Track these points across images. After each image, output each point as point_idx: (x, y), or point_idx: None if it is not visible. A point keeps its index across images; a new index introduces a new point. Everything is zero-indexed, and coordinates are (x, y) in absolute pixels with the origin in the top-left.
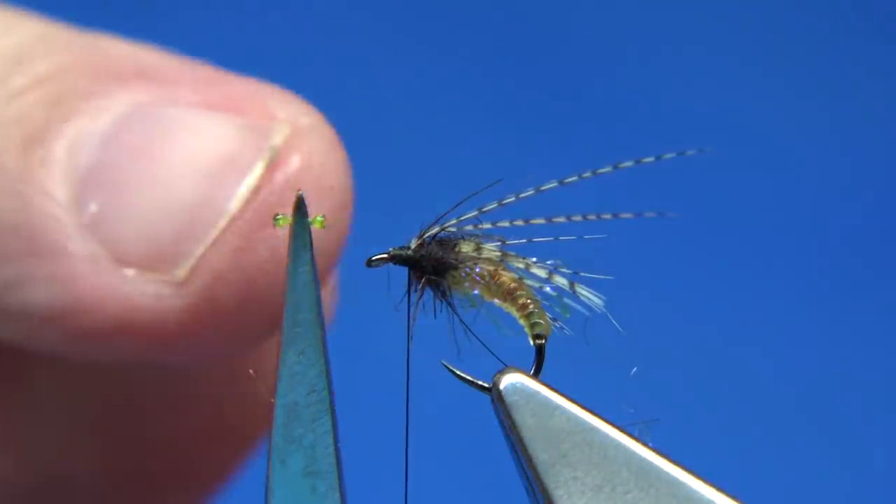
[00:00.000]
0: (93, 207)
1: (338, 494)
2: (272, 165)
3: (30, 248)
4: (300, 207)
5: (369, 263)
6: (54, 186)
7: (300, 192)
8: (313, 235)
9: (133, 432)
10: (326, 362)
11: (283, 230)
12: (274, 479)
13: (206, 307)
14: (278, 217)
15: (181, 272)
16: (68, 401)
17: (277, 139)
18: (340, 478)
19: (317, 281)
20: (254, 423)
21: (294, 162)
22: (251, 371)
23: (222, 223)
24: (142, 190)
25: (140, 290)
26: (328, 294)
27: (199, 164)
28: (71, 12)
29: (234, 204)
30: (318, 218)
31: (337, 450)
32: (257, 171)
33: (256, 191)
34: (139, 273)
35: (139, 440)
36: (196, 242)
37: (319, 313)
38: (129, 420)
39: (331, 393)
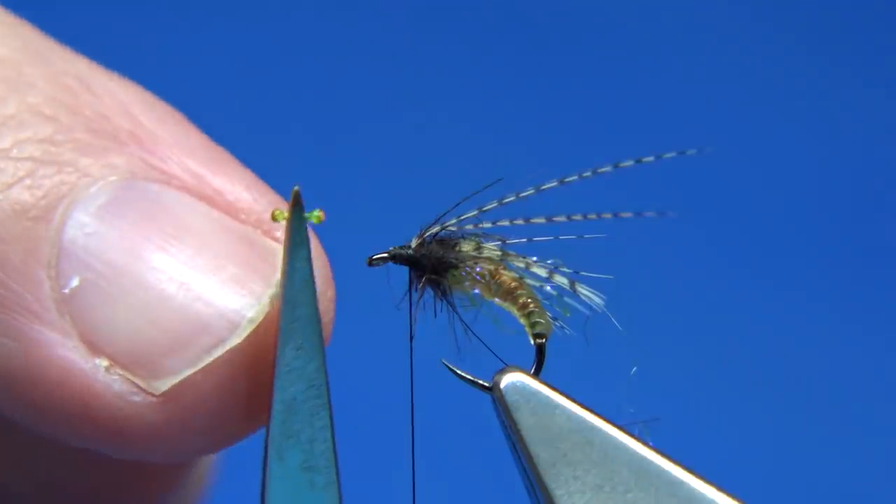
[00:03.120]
0: (74, 282)
1: (336, 488)
2: (274, 300)
3: None
4: (297, 202)
5: (370, 262)
6: (38, 244)
7: (296, 187)
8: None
9: (73, 454)
10: (323, 357)
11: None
12: (272, 474)
13: (180, 423)
14: (276, 212)
15: (161, 386)
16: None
17: (278, 273)
18: (337, 472)
19: (313, 276)
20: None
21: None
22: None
23: (218, 353)
24: (131, 283)
25: (108, 385)
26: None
27: (201, 277)
28: None
29: (235, 335)
30: (315, 212)
31: (334, 444)
32: (265, 302)
33: (259, 323)
34: (112, 367)
35: (79, 460)
36: (185, 363)
37: (316, 308)
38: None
39: (328, 388)
